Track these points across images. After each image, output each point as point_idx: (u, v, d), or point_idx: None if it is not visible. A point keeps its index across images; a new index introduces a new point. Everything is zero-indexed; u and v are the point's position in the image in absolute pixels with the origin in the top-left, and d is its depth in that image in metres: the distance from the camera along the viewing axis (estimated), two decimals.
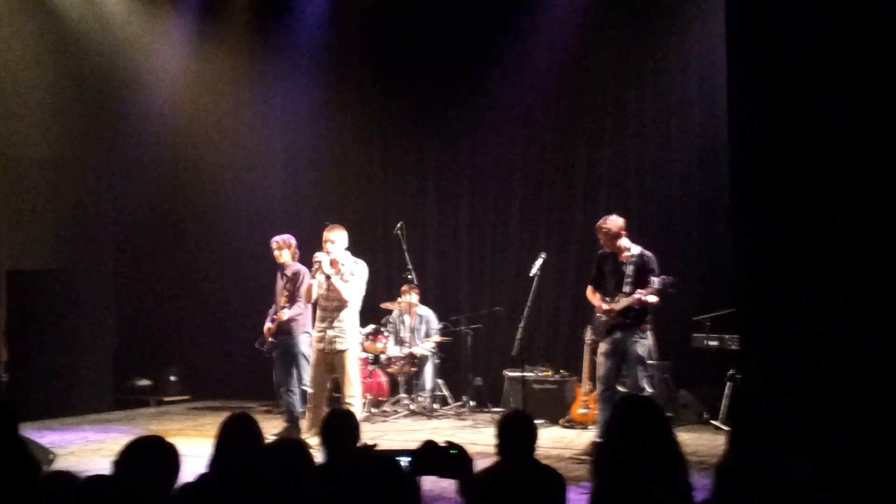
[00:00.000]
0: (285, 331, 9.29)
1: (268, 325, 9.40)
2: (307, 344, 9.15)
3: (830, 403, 5.57)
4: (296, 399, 9.22)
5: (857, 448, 5.35)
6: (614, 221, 8.34)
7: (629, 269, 8.23)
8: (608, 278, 8.37)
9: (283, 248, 9.42)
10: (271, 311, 9.50)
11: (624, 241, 8.30)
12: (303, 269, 9.37)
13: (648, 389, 8.17)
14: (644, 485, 3.77)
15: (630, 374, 8.23)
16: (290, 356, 9.28)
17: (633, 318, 8.21)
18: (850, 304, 5.59)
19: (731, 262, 6.79)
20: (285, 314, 9.22)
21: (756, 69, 6.08)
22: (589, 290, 8.52)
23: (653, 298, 8.06)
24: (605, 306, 8.27)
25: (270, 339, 9.35)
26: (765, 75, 6.01)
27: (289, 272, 9.40)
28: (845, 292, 5.62)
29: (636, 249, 8.32)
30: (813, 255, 5.77)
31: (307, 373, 9.04)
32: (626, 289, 8.17)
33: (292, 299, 9.29)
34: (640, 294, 8.04)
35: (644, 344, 8.29)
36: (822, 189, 5.72)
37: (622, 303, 8.16)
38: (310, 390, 8.72)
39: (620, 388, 8.36)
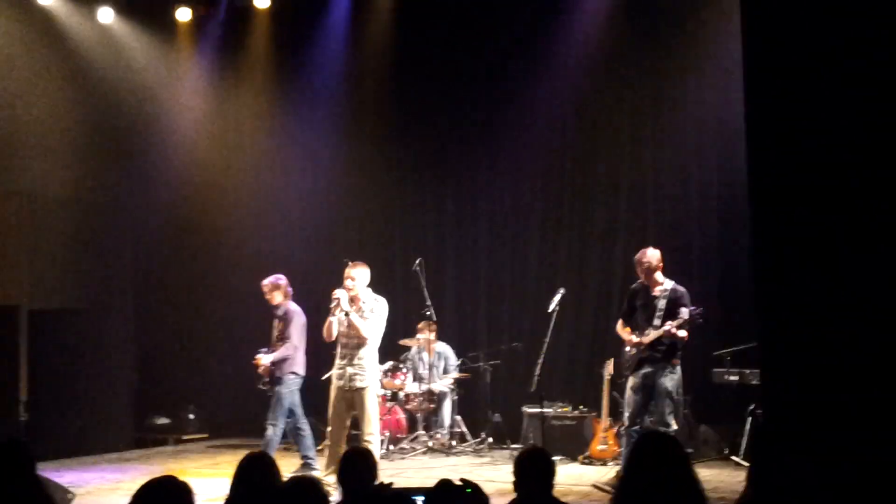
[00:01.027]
0: (273, 372, 9.27)
1: (262, 363, 9.34)
2: (294, 386, 9.23)
3: (854, 440, 5.50)
4: (305, 436, 9.31)
5: (884, 487, 5.27)
6: (653, 254, 8.42)
7: (661, 304, 8.27)
8: (639, 312, 8.39)
9: (274, 290, 9.42)
10: (268, 347, 9.48)
11: (658, 275, 8.37)
12: (293, 308, 9.39)
13: (674, 426, 8.14)
14: None
15: (657, 408, 8.19)
16: (276, 394, 9.22)
17: (664, 352, 8.22)
18: (875, 344, 5.52)
19: (752, 296, 6.74)
20: (264, 359, 9.22)
21: (772, 79, 6.01)
22: (619, 325, 8.56)
23: (683, 333, 8.09)
24: (634, 339, 8.28)
25: (266, 379, 9.32)
26: (782, 85, 5.93)
27: (280, 312, 9.40)
28: (870, 331, 5.56)
29: (669, 284, 8.38)
30: (836, 292, 5.71)
31: (282, 415, 9.14)
32: (657, 322, 8.21)
33: (282, 339, 9.31)
34: (670, 325, 8.06)
35: (673, 378, 8.26)
36: (848, 217, 5.65)
37: (652, 335, 8.17)
38: (329, 428, 8.69)
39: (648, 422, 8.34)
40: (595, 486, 8.39)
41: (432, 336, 11.28)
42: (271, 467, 4.34)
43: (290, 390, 9.23)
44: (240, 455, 4.52)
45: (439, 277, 12.05)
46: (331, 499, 3.92)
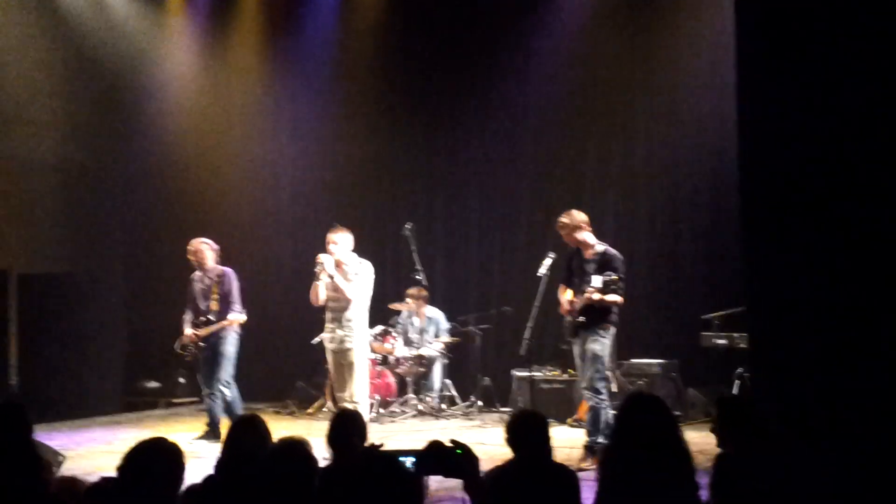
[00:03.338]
0: (214, 332, 9.32)
1: (191, 331, 9.37)
2: (234, 343, 9.33)
3: (838, 400, 5.56)
4: (219, 403, 9.28)
5: (863, 445, 5.33)
6: (572, 216, 8.13)
7: (590, 267, 8.03)
8: (575, 276, 8.17)
9: (210, 251, 9.48)
10: (188, 316, 9.48)
11: (587, 237, 8.11)
12: (229, 270, 9.47)
13: (604, 392, 7.96)
14: (650, 483, 3.77)
15: (585, 373, 8.01)
16: (217, 356, 9.30)
17: (594, 317, 7.97)
18: (860, 302, 5.57)
19: (740, 260, 6.77)
20: (238, 317, 9.30)
21: (765, 63, 6.06)
22: (560, 289, 8.30)
23: (613, 297, 7.83)
24: (565, 306, 8.12)
25: (201, 344, 9.34)
26: (774, 69, 6.00)
27: (212, 275, 9.42)
28: (855, 290, 5.60)
29: (600, 247, 8.12)
30: (822, 253, 5.75)
31: (228, 372, 9.28)
32: (590, 288, 7.94)
33: (225, 301, 9.33)
34: (588, 293, 7.86)
35: (603, 343, 7.99)
36: (832, 185, 5.70)
37: (578, 302, 7.99)
38: (337, 393, 8.82)
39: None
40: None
41: (423, 300, 11.31)
42: (262, 429, 4.37)
43: (236, 348, 9.36)
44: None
45: (430, 242, 12.08)
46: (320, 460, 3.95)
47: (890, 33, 5.50)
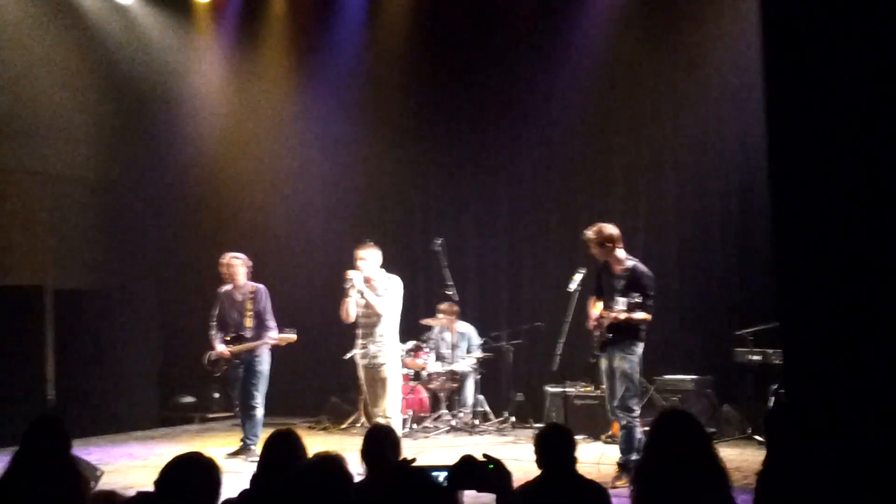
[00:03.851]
0: (249, 349, 9.35)
1: (222, 347, 9.39)
2: (268, 362, 9.41)
3: (875, 416, 5.51)
4: (259, 420, 9.30)
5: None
6: (600, 229, 8.05)
7: (620, 284, 7.95)
8: (603, 291, 8.12)
9: (243, 267, 9.50)
10: (216, 331, 9.49)
11: (619, 253, 8.02)
12: (261, 287, 9.50)
13: (637, 410, 7.93)
14: (685, 501, 3.75)
15: (616, 391, 7.96)
16: (253, 374, 9.35)
17: (622, 334, 7.92)
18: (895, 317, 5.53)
19: (774, 276, 6.72)
20: (287, 337, 9.35)
21: (793, 74, 6.02)
22: (590, 302, 8.25)
23: (639, 315, 7.78)
24: (592, 322, 8.06)
25: (235, 361, 9.37)
26: (803, 79, 5.95)
27: (245, 291, 9.45)
28: (891, 305, 5.56)
29: (630, 263, 8.04)
30: (856, 268, 5.71)
31: (263, 391, 9.35)
32: (616, 305, 7.89)
33: (259, 318, 9.38)
34: (615, 313, 7.80)
35: (631, 360, 7.94)
36: (866, 199, 5.65)
37: (606, 319, 7.92)
38: (370, 409, 8.90)
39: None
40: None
41: (454, 316, 11.33)
42: (297, 444, 4.40)
43: (270, 366, 9.41)
44: (265, 433, 4.58)
45: (461, 257, 12.08)
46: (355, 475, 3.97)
47: None
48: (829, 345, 5.80)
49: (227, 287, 9.56)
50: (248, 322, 9.38)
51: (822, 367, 5.85)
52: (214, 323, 9.55)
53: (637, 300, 7.75)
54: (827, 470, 4.23)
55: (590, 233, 8.10)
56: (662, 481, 3.80)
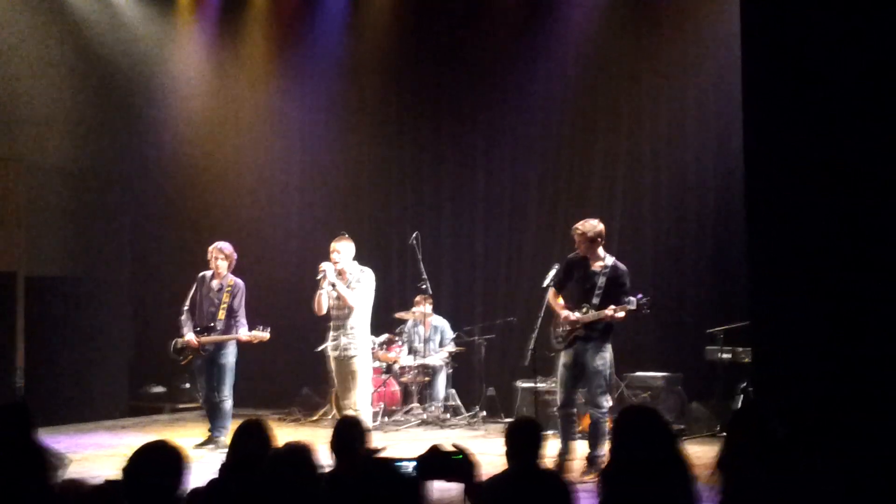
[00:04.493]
0: (217, 343, 9.32)
1: (192, 336, 9.32)
2: (235, 354, 9.35)
3: (841, 413, 5.56)
4: (228, 412, 9.27)
5: (866, 456, 5.34)
6: (593, 225, 8.05)
7: (601, 281, 7.95)
8: (576, 285, 8.08)
9: (229, 259, 9.43)
10: (186, 318, 9.42)
11: (600, 249, 8.06)
12: (241, 282, 9.44)
13: (606, 405, 7.97)
14: (650, 497, 3.76)
15: (590, 389, 7.99)
16: (219, 367, 9.31)
17: (601, 332, 7.97)
18: (865, 317, 5.57)
19: (746, 274, 6.77)
20: (261, 335, 9.27)
21: (772, 74, 6.06)
22: (551, 294, 8.19)
23: (620, 314, 7.84)
24: (572, 317, 7.99)
25: (201, 351, 9.32)
26: (780, 85, 6.00)
27: (225, 283, 9.40)
28: (859, 305, 5.61)
29: (609, 260, 8.07)
30: (827, 268, 5.76)
31: (230, 383, 9.29)
32: (596, 301, 7.92)
33: (231, 313, 9.34)
34: (613, 311, 7.82)
35: (604, 357, 8.00)
36: (842, 200, 5.70)
37: (591, 316, 7.91)
38: (341, 401, 8.93)
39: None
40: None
41: (428, 309, 11.34)
42: (266, 434, 4.40)
43: (235, 359, 9.37)
44: (234, 424, 4.58)
45: (436, 251, 12.10)
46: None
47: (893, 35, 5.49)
48: (799, 344, 5.85)
49: (208, 272, 9.49)
50: (221, 315, 9.33)
51: (790, 367, 5.90)
52: (187, 308, 9.47)
53: (645, 299, 7.84)
54: (790, 470, 4.26)
55: (582, 227, 8.08)
56: (628, 479, 3.81)
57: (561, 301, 8.15)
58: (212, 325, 9.32)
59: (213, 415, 9.34)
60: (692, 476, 3.87)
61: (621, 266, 8.09)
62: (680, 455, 3.86)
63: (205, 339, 9.32)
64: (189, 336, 9.34)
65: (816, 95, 5.80)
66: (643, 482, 3.73)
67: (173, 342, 9.50)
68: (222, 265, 9.40)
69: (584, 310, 8.00)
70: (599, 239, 8.06)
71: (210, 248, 9.48)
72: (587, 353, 7.97)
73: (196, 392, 9.56)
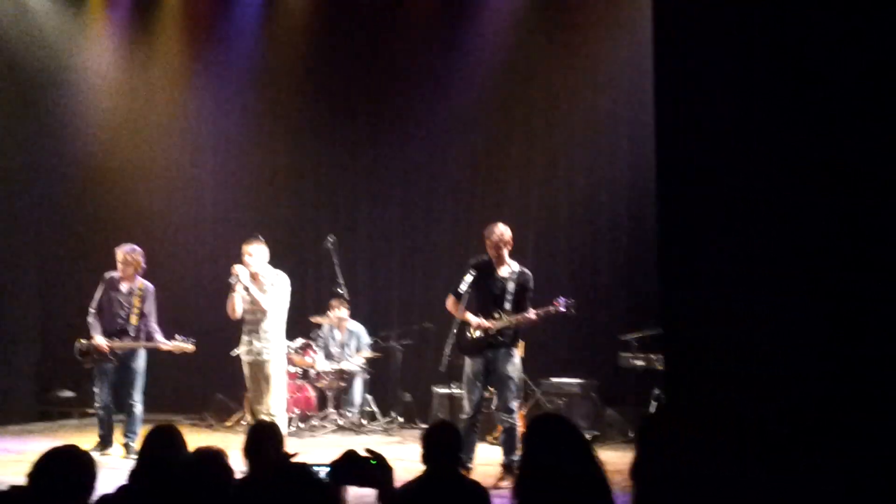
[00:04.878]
0: (132, 348, 9.22)
1: (103, 340, 9.15)
2: (145, 358, 9.28)
3: (752, 422, 5.66)
4: (139, 417, 9.19)
5: (776, 463, 5.44)
6: (503, 231, 8.06)
7: (510, 286, 7.99)
8: (482, 292, 8.05)
9: (138, 263, 9.30)
10: (94, 321, 9.24)
11: (506, 254, 8.08)
12: (150, 286, 9.35)
13: (516, 409, 8.04)
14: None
15: (501, 395, 8.02)
16: (130, 371, 9.21)
17: (511, 336, 8.01)
18: (776, 324, 5.68)
19: (658, 282, 6.86)
20: (165, 344, 9.23)
21: (682, 83, 6.16)
22: (451, 302, 8.18)
23: (535, 317, 7.93)
24: (484, 323, 7.96)
25: (110, 356, 9.18)
26: (691, 88, 6.10)
27: (135, 287, 9.28)
28: (769, 313, 5.71)
29: (515, 265, 8.11)
30: (738, 275, 5.85)
31: (141, 388, 9.22)
32: (508, 306, 7.95)
33: (144, 318, 9.24)
34: (536, 314, 7.90)
35: (514, 363, 8.06)
36: (749, 206, 5.80)
37: (505, 321, 7.93)
38: (254, 406, 8.80)
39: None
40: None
41: (344, 314, 11.30)
42: (178, 439, 4.34)
43: (145, 364, 9.28)
44: (146, 429, 4.51)
45: (352, 256, 12.07)
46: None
47: (807, 32, 5.61)
48: (709, 351, 5.94)
49: (115, 274, 9.31)
50: (134, 319, 9.20)
51: (701, 374, 5.99)
52: (94, 310, 9.29)
53: (570, 301, 7.93)
54: (700, 475, 4.31)
55: (499, 232, 8.07)
56: (543, 488, 3.82)
57: (463, 309, 8.09)
58: (125, 329, 9.16)
59: (127, 421, 9.18)
60: (608, 483, 3.89)
61: (527, 271, 8.15)
62: (595, 462, 3.88)
63: (119, 344, 9.15)
64: (100, 340, 9.15)
65: (729, 107, 5.91)
66: (558, 491, 3.74)
67: (79, 344, 9.30)
68: (130, 269, 9.24)
69: (497, 316, 8.02)
70: (509, 245, 8.07)
71: (119, 251, 9.31)
72: (498, 359, 7.99)
73: (97, 397, 9.33)
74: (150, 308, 9.28)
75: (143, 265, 9.33)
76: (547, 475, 3.78)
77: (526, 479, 3.88)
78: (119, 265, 9.27)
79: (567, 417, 4.26)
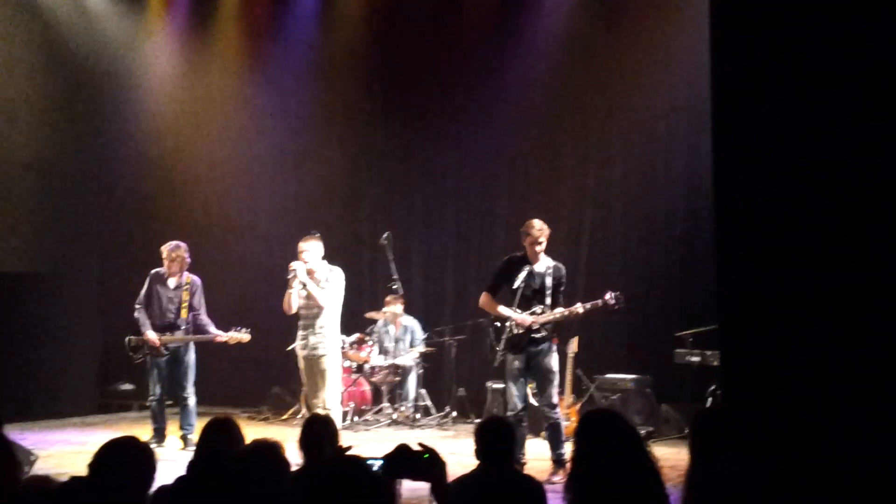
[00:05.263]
0: (185, 342, 9.34)
1: (153, 335, 9.24)
2: (195, 351, 9.40)
3: (808, 419, 5.60)
4: (194, 410, 9.30)
5: (833, 462, 5.37)
6: (543, 226, 8.08)
7: (549, 281, 8.01)
8: (523, 288, 8.01)
9: (186, 258, 9.40)
10: (143, 316, 9.33)
11: (542, 250, 8.12)
12: (197, 279, 9.45)
13: (556, 401, 8.09)
14: (618, 500, 3.76)
15: (546, 389, 8.01)
16: (183, 364, 9.34)
17: (550, 330, 8.02)
18: (834, 321, 5.60)
19: (714, 278, 6.80)
20: (217, 333, 9.33)
21: (740, 81, 6.10)
22: (486, 298, 8.18)
23: (581, 309, 7.98)
24: (529, 318, 7.95)
25: (163, 350, 9.28)
26: (749, 86, 6.03)
27: (182, 282, 9.38)
28: (828, 309, 5.64)
29: (549, 260, 8.12)
30: (796, 272, 5.78)
31: (193, 380, 9.36)
32: (548, 301, 7.98)
33: (194, 311, 9.35)
34: (583, 307, 7.96)
35: (556, 357, 8.10)
36: (809, 204, 5.72)
37: (549, 315, 7.94)
38: (310, 400, 8.91)
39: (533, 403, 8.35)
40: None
41: (399, 310, 11.33)
42: (235, 431, 4.39)
43: (195, 357, 9.42)
44: (203, 422, 4.57)
45: (407, 252, 12.10)
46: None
47: (869, 48, 5.53)
48: (766, 349, 5.88)
49: (162, 270, 9.43)
50: (184, 313, 9.33)
51: (758, 371, 5.93)
52: (139, 305, 9.41)
53: (618, 295, 7.97)
54: (753, 475, 4.28)
55: (539, 227, 8.07)
56: (595, 485, 3.80)
57: (501, 305, 8.11)
58: (175, 324, 9.29)
59: (181, 414, 9.31)
60: (661, 478, 3.87)
61: (562, 266, 8.16)
62: (647, 457, 3.86)
63: (170, 337, 9.28)
64: (151, 334, 9.27)
65: (788, 104, 5.83)
66: (611, 486, 3.72)
67: (127, 339, 9.45)
68: (176, 265, 9.35)
69: (540, 310, 8.01)
70: (545, 241, 8.09)
71: (164, 249, 9.43)
72: (540, 354, 8.00)
73: (152, 391, 9.45)
74: (200, 301, 9.41)
75: (188, 260, 9.43)
76: (599, 470, 3.76)
77: (578, 475, 3.87)
78: (165, 262, 9.39)
79: (619, 413, 4.24)
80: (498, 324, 8.12)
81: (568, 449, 8.79)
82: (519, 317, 7.99)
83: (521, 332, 8.00)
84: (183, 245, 9.46)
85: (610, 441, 3.79)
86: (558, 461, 7.85)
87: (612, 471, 3.75)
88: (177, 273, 9.37)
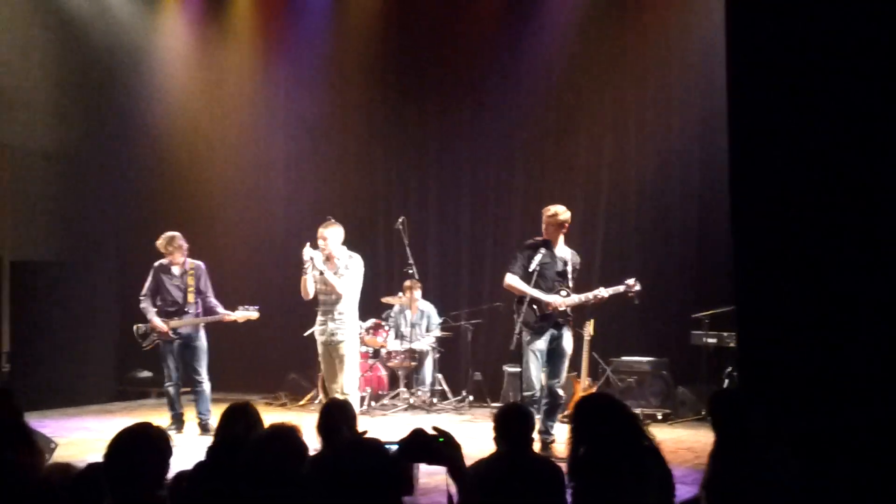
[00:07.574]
0: (195, 325, 9.39)
1: (159, 321, 9.32)
2: (205, 337, 9.46)
3: (825, 401, 5.59)
4: (208, 395, 9.37)
5: (850, 445, 5.37)
6: (564, 210, 8.29)
7: (568, 265, 8.27)
8: (545, 271, 8.19)
9: (183, 246, 9.46)
10: (147, 304, 9.43)
11: (560, 235, 8.32)
12: (201, 264, 9.53)
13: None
14: (621, 480, 3.77)
15: (557, 368, 8.23)
16: (195, 349, 9.40)
17: (571, 314, 8.28)
18: (850, 303, 5.59)
19: (730, 260, 6.80)
20: (225, 313, 9.39)
21: (756, 63, 6.08)
22: (516, 280, 8.27)
23: (606, 294, 8.25)
24: (558, 301, 8.13)
25: (172, 335, 9.35)
26: (764, 69, 6.02)
27: (186, 268, 9.44)
28: (845, 291, 5.62)
29: (566, 247, 8.37)
30: (812, 253, 5.77)
31: (206, 365, 9.43)
32: (571, 284, 8.22)
33: (201, 294, 9.42)
34: (604, 291, 8.20)
35: (572, 340, 8.36)
36: (823, 184, 5.72)
37: (576, 298, 8.18)
38: (328, 385, 8.96)
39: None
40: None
41: (417, 295, 11.35)
42: (254, 416, 4.41)
43: (206, 342, 9.48)
44: (221, 408, 4.60)
45: (422, 236, 12.11)
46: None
47: (886, 34, 5.50)
48: (783, 329, 5.87)
49: (163, 261, 9.50)
50: (191, 298, 9.39)
51: (775, 352, 5.92)
52: (145, 296, 9.49)
53: (637, 292, 8.26)
54: (774, 457, 4.28)
55: (561, 212, 8.27)
56: (596, 466, 3.82)
57: (529, 287, 8.21)
58: (182, 310, 9.35)
59: (197, 400, 9.39)
60: (661, 455, 3.87)
61: (576, 253, 8.47)
62: (643, 436, 3.88)
63: (179, 322, 9.34)
64: (157, 321, 9.34)
65: (802, 86, 5.82)
66: (613, 472, 3.74)
67: (135, 328, 9.54)
68: (177, 254, 9.42)
69: (566, 293, 8.18)
70: (566, 225, 8.32)
71: (159, 244, 9.49)
72: (562, 337, 8.20)
73: (168, 376, 9.52)
74: (206, 284, 9.49)
75: (186, 246, 9.49)
76: (599, 453, 3.79)
77: (579, 460, 3.89)
78: (165, 254, 9.49)
79: (611, 395, 4.27)
80: (524, 306, 8.20)
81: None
82: (550, 298, 8.14)
83: (547, 313, 8.15)
84: (177, 234, 9.53)
85: (606, 423, 3.82)
86: (546, 432, 8.10)
87: (612, 451, 3.78)
88: (179, 260, 9.42)
